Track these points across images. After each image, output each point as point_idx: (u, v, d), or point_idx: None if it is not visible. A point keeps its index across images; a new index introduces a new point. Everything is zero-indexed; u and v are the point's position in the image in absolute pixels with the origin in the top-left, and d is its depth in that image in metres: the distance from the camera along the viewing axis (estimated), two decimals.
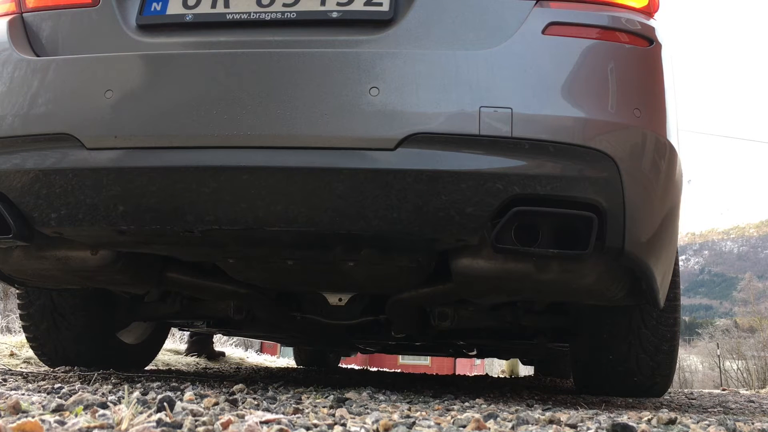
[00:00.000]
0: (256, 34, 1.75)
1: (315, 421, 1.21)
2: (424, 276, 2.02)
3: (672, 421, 1.40)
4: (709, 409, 2.49)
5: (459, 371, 15.02)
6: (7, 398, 1.15)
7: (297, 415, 1.31)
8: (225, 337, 9.87)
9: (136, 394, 1.48)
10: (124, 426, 0.97)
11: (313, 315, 2.49)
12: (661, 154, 1.76)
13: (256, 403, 1.52)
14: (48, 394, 1.50)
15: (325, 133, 1.59)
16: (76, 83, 1.72)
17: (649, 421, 1.43)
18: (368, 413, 1.38)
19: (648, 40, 1.76)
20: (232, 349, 8.01)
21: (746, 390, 8.12)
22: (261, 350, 13.07)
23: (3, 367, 2.94)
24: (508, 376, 8.16)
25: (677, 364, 2.61)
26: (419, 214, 1.61)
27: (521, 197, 1.61)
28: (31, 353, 3.14)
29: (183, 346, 5.82)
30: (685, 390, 6.35)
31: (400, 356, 19.77)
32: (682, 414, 1.89)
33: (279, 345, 12.03)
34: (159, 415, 1.06)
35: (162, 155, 1.64)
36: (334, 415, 1.34)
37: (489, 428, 1.22)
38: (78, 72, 1.73)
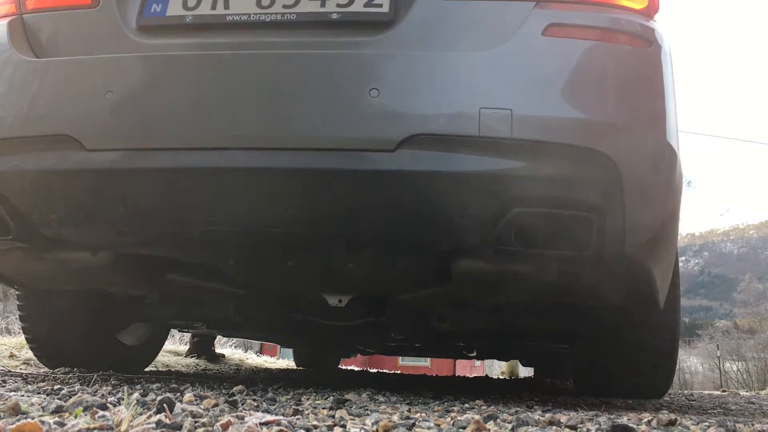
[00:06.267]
0: (256, 35, 1.74)
1: (315, 423, 1.21)
2: (424, 277, 2.02)
3: (672, 423, 1.40)
4: (709, 411, 2.49)
5: (459, 373, 15.01)
6: (6, 399, 1.15)
7: (297, 417, 1.31)
8: (225, 339, 9.86)
9: (136, 395, 1.48)
10: (123, 427, 0.97)
11: (313, 316, 2.49)
12: (661, 156, 1.76)
13: (255, 404, 1.52)
14: (47, 395, 1.50)
15: (325, 135, 1.59)
16: (76, 84, 1.72)
17: (649, 422, 1.43)
18: (368, 414, 1.38)
19: (648, 42, 1.76)
20: (232, 350, 8.01)
21: (746, 391, 8.12)
22: (261, 351, 13.05)
23: (3, 368, 2.94)
24: (508, 378, 8.16)
25: (677, 366, 2.61)
26: (419, 215, 1.61)
27: (521, 198, 1.61)
28: (30, 354, 3.14)
29: (183, 348, 5.82)
30: (685, 391, 6.34)
31: (400, 358, 19.75)
32: (682, 415, 1.89)
33: (279, 346, 12.02)
34: (158, 416, 1.06)
35: (162, 156, 1.64)
36: (333, 417, 1.33)
37: (489, 430, 1.22)
38: (78, 73, 1.73)
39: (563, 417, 1.42)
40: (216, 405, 1.39)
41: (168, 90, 1.67)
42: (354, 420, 1.28)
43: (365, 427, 1.19)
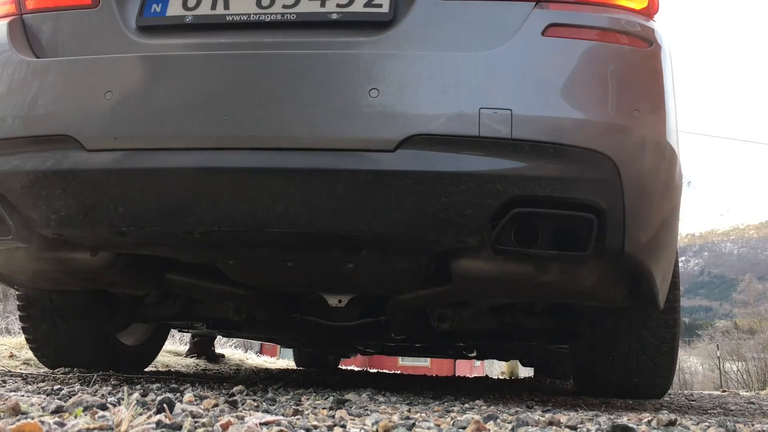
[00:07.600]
0: (255, 35, 1.75)
1: (315, 423, 1.21)
2: (423, 277, 2.02)
3: (672, 423, 1.40)
4: (708, 411, 2.49)
5: (459, 373, 15.02)
6: (6, 399, 1.15)
7: (296, 417, 1.31)
8: (225, 339, 9.86)
9: (136, 395, 1.48)
10: (123, 427, 0.97)
11: (312, 316, 2.49)
12: (661, 156, 1.76)
13: (255, 404, 1.52)
14: (47, 395, 1.50)
15: (325, 135, 1.59)
16: (76, 84, 1.72)
17: (649, 422, 1.43)
18: (368, 414, 1.38)
19: (647, 42, 1.76)
20: (231, 350, 8.01)
21: (746, 391, 8.12)
22: (261, 351, 13.06)
23: (2, 368, 2.94)
24: (507, 378, 8.16)
25: (677, 366, 2.61)
26: (419, 215, 1.61)
27: (521, 199, 1.61)
28: (30, 354, 3.14)
29: (183, 348, 5.83)
30: (685, 391, 6.35)
31: (400, 358, 19.76)
32: (682, 415, 1.89)
33: (279, 346, 12.02)
34: (158, 416, 1.06)
35: (162, 157, 1.64)
36: (333, 417, 1.33)
37: (489, 430, 1.22)
38: (78, 73, 1.73)
39: (563, 417, 1.42)
40: (216, 405, 1.39)
41: (168, 90, 1.67)
42: (354, 420, 1.28)
43: (365, 427, 1.19)
